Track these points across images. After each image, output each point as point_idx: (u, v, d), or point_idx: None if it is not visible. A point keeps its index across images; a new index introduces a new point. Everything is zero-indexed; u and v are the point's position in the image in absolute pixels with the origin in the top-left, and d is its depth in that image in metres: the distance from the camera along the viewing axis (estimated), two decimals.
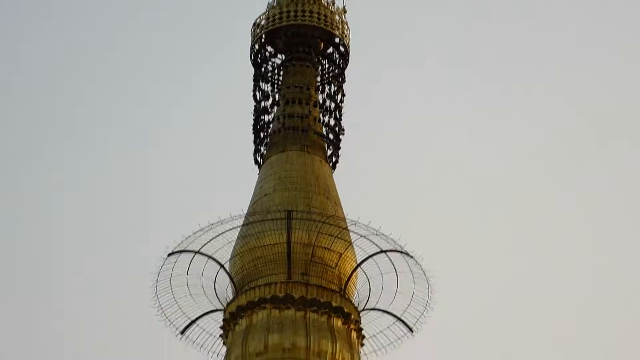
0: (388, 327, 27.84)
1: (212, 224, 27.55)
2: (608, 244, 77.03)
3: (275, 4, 32.89)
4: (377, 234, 27.66)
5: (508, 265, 71.84)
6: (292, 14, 31.95)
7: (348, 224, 28.52)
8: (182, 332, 27.72)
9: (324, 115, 31.71)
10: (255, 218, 28.65)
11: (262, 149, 31.63)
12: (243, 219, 28.66)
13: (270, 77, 32.93)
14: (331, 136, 31.81)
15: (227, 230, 27.80)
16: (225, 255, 27.74)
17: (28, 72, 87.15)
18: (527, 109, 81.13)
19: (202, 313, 27.72)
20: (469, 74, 78.75)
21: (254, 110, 31.90)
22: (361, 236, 27.91)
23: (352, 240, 28.33)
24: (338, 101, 32.27)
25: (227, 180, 48.67)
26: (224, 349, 27.28)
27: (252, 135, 32.00)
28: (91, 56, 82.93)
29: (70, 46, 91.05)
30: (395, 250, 27.36)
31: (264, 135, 31.65)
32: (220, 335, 27.42)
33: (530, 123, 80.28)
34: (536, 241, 77.07)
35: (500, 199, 76.57)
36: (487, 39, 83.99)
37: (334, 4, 33.38)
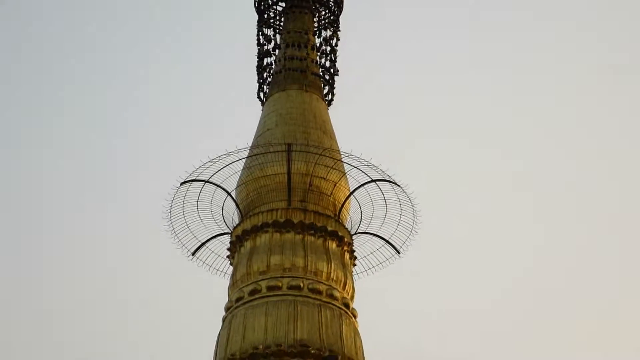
0: (377, 250, 29.42)
1: (220, 156, 28.36)
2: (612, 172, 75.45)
3: None
4: (368, 165, 28.71)
5: (496, 197, 71.85)
6: None
7: (342, 156, 29.46)
8: (193, 254, 29.40)
9: (320, 58, 33.04)
10: (258, 150, 29.55)
11: (265, 88, 32.69)
12: (248, 151, 29.51)
13: (272, 23, 34.04)
14: (327, 77, 33.04)
15: (234, 162, 28.84)
16: (231, 184, 29.07)
17: None
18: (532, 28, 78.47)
19: (211, 236, 29.40)
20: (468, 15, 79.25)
21: (258, 53, 33.37)
22: (354, 167, 28.98)
23: (346, 171, 29.25)
24: (333, 45, 33.61)
25: (232, 116, 49.39)
26: (231, 268, 28.77)
27: (256, 76, 33.29)
28: None
29: None
30: (384, 180, 28.69)
31: (266, 75, 32.81)
32: (227, 257, 29.06)
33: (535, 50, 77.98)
34: (533, 177, 76.55)
35: (498, 136, 77.65)
36: None
37: None
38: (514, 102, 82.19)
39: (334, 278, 27.19)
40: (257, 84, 33.00)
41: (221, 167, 28.48)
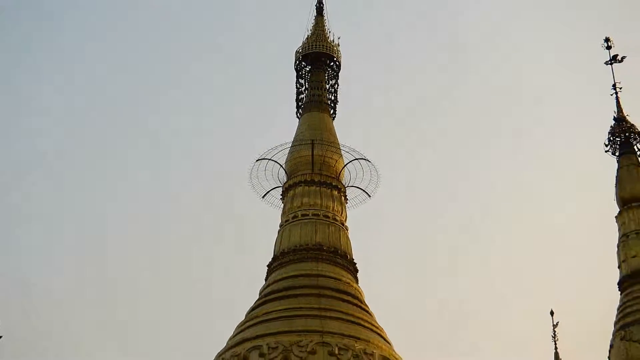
0: (358, 195, 39.64)
1: (276, 146, 38.73)
2: None
3: (305, 40, 41.63)
4: (353, 151, 38.88)
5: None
6: (313, 45, 41.18)
7: (341, 147, 39.07)
8: (263, 197, 39.31)
9: (328, 94, 41.21)
10: (296, 143, 38.92)
11: (300, 111, 41.30)
12: (290, 144, 39.06)
13: (303, 76, 41.77)
14: (332, 104, 41.32)
15: (284, 149, 38.84)
16: (283, 160, 38.78)
17: None
18: None
19: (271, 188, 39.11)
20: None
21: (296, 92, 41.48)
22: (346, 152, 38.87)
23: (342, 154, 38.86)
24: (335, 87, 41.46)
25: (283, 126, 54.73)
26: (282, 205, 38.58)
27: (295, 106, 41.52)
28: None
29: None
30: (363, 158, 38.73)
31: (300, 104, 41.27)
32: (281, 199, 38.91)
33: None
34: None
35: None
36: None
37: (333, 40, 41.87)
38: None
39: (336, 209, 37.79)
40: (296, 109, 41.05)
41: (277, 152, 38.70)
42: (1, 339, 28.53)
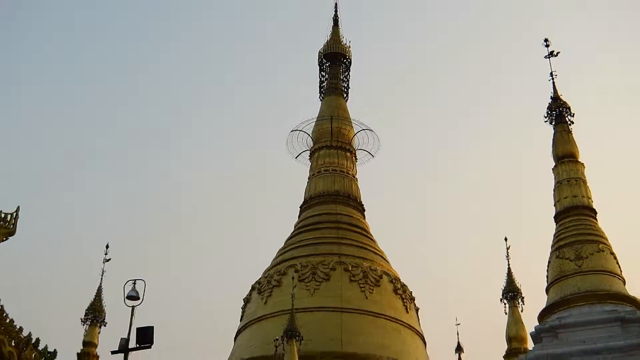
0: (365, 155, 39.57)
1: (305, 121, 39.23)
2: None
3: (325, 44, 41.11)
4: (361, 123, 39.04)
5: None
6: (331, 47, 40.98)
7: (352, 120, 39.08)
8: (296, 157, 39.66)
9: (342, 82, 41.02)
10: (319, 119, 39.01)
11: (321, 95, 41.08)
12: (315, 119, 39.10)
13: (324, 69, 41.48)
14: (345, 89, 41.10)
15: (310, 123, 39.07)
16: (310, 131, 39.02)
17: None
18: None
19: (302, 151, 39.29)
20: None
21: (319, 81, 41.48)
22: (356, 124, 39.00)
23: (353, 126, 38.92)
24: (347, 79, 41.20)
25: (309, 106, 52.79)
26: (309, 164, 38.63)
27: (318, 91, 41.31)
28: None
29: None
30: (368, 129, 38.97)
31: (322, 90, 41.12)
32: (309, 159, 38.86)
33: None
34: None
35: None
36: None
37: (346, 43, 41.38)
38: None
39: (349, 166, 37.99)
40: (319, 94, 41.49)
41: (305, 125, 39.09)
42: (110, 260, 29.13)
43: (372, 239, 35.34)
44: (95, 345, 27.95)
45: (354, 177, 38.16)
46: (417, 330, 32.51)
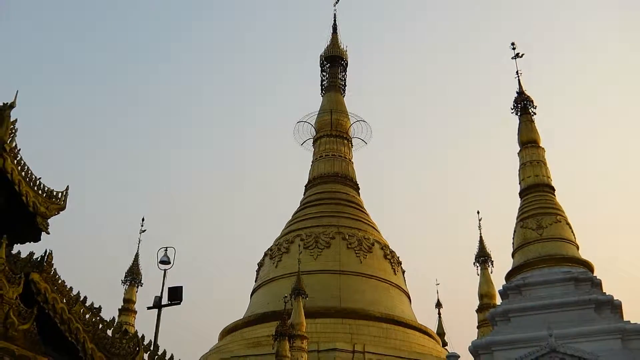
0: (359, 143, 39.22)
1: (309, 114, 39.07)
2: None
3: (326, 48, 40.57)
4: (356, 115, 39.03)
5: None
6: (330, 51, 40.30)
7: (348, 113, 38.90)
8: (302, 144, 39.29)
9: (340, 80, 40.36)
10: (321, 111, 38.67)
11: (322, 91, 40.48)
12: (318, 112, 38.82)
13: (325, 69, 40.82)
14: (343, 86, 40.47)
15: (313, 115, 38.72)
16: (313, 121, 38.77)
17: None
18: None
19: (306, 139, 39.09)
20: None
21: (320, 80, 40.93)
22: (352, 116, 38.81)
23: (349, 117, 38.74)
24: (344, 78, 40.47)
25: (311, 102, 56.27)
26: (312, 149, 38.36)
27: (320, 88, 40.74)
28: None
29: None
30: (362, 120, 38.94)
31: (323, 87, 40.47)
32: (312, 145, 38.49)
33: None
34: None
35: None
36: None
37: (343, 48, 40.79)
38: None
39: (346, 152, 37.84)
40: (320, 90, 40.83)
41: (309, 118, 38.86)
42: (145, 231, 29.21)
43: (365, 213, 35.18)
44: (134, 302, 28.23)
45: (350, 160, 37.96)
46: (404, 289, 32.54)
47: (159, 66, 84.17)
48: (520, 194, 20.70)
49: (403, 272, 33.39)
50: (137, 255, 29.65)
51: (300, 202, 36.15)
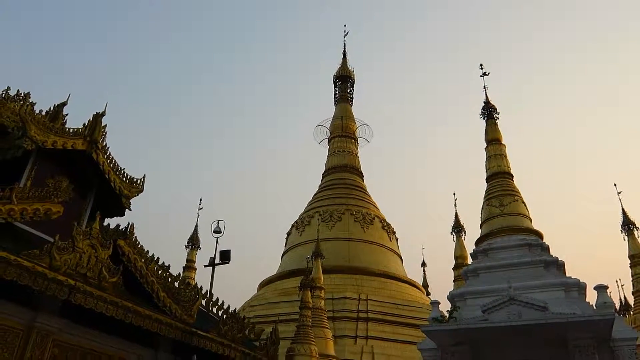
0: (363, 142, 38.23)
1: (325, 119, 38.14)
2: None
3: (337, 69, 39.53)
4: (361, 120, 38.13)
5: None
6: (341, 72, 39.28)
7: (355, 118, 37.78)
8: (319, 143, 38.29)
9: (349, 94, 39.12)
10: (334, 117, 37.56)
11: (335, 102, 39.25)
12: (332, 118, 37.59)
13: (337, 86, 39.57)
14: (350, 98, 39.08)
15: (328, 120, 37.55)
16: (328, 125, 37.55)
17: None
18: None
19: (323, 139, 37.89)
20: None
21: (334, 94, 39.61)
22: (358, 120, 37.83)
23: (355, 122, 37.67)
24: (353, 92, 39.23)
25: (327, 110, 57.89)
26: (328, 146, 37.17)
27: (333, 100, 39.67)
28: None
29: None
30: (365, 124, 38.11)
31: (335, 99, 39.28)
32: (328, 144, 37.32)
33: None
34: None
35: None
36: None
37: (351, 69, 39.57)
38: None
39: (353, 148, 36.55)
40: (334, 101, 39.53)
41: (327, 120, 37.83)
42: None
43: (368, 194, 34.55)
44: (194, 262, 28.22)
45: (356, 155, 37.10)
46: (397, 252, 32.02)
47: (234, 72, 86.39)
48: (486, 179, 20.43)
49: (397, 239, 32.80)
50: (196, 227, 29.59)
51: (319, 187, 35.58)
